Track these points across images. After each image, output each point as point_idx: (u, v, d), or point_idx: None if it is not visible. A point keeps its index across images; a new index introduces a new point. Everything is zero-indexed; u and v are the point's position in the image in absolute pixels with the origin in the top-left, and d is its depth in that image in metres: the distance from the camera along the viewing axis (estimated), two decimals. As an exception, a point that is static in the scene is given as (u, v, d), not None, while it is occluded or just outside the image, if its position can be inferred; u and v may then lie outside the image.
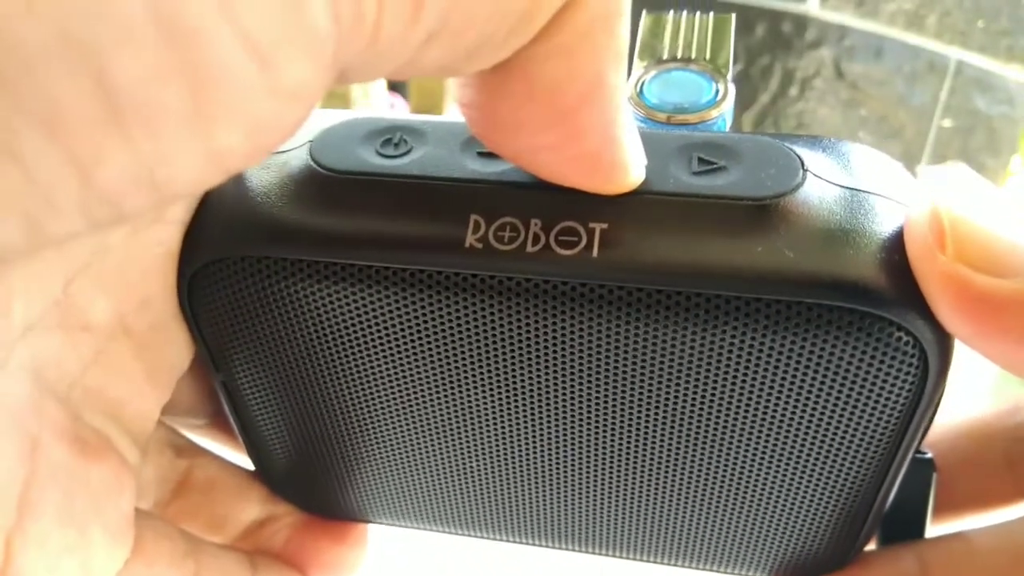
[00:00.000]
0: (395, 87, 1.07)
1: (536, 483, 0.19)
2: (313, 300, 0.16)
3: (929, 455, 0.17)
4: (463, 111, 0.14)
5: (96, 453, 0.16)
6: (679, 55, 0.18)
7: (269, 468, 0.21)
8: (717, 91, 0.17)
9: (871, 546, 0.19)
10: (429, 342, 0.16)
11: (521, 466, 0.18)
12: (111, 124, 0.09)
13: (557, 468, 0.18)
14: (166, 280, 0.16)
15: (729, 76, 0.18)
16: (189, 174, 0.10)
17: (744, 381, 0.15)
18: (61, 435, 0.15)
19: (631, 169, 0.14)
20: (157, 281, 0.16)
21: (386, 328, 0.16)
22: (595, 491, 0.18)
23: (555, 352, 0.15)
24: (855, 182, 0.15)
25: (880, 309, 0.14)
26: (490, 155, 0.15)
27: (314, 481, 0.21)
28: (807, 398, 0.15)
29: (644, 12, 0.19)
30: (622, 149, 0.14)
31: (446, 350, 0.16)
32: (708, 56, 0.18)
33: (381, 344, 0.16)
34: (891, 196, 0.15)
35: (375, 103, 0.97)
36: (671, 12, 0.19)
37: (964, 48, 0.83)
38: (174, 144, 0.10)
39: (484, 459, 0.18)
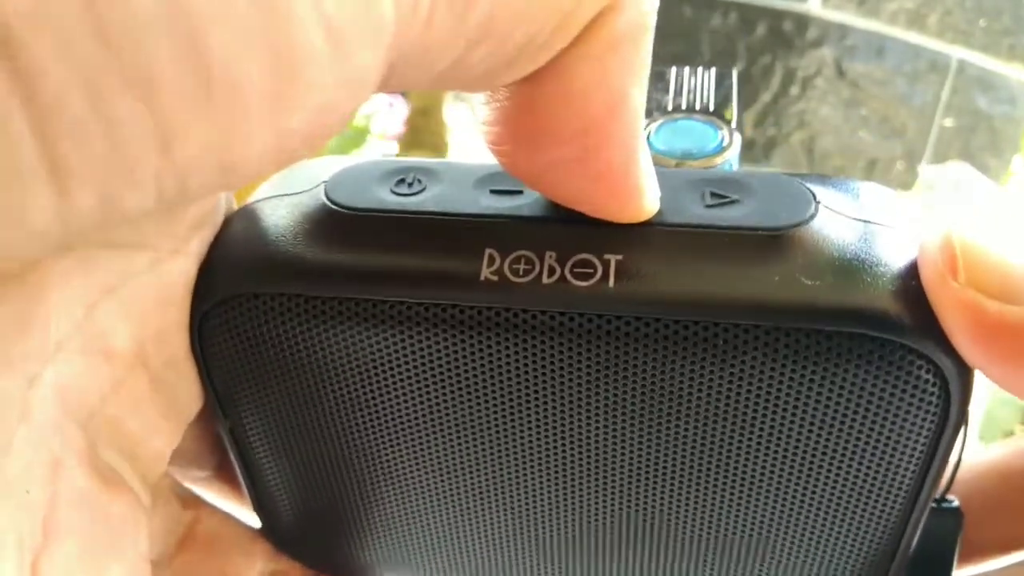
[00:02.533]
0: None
1: (555, 529, 0.18)
2: (326, 339, 0.16)
3: (956, 504, 0.17)
4: (486, 131, 0.14)
5: (114, 486, 0.16)
6: (683, 107, 0.18)
7: (275, 522, 0.21)
8: (723, 138, 0.18)
9: None
10: (444, 381, 0.16)
11: (540, 511, 0.18)
12: (200, 94, 0.10)
13: (575, 511, 0.18)
14: (182, 315, 0.16)
15: (733, 125, 0.18)
16: (257, 155, 0.11)
17: (764, 414, 0.15)
18: (81, 461, 0.15)
19: (648, 194, 0.15)
20: (174, 315, 0.16)
21: (399, 368, 0.16)
22: (613, 535, 0.18)
23: (572, 387, 0.15)
24: (867, 215, 0.15)
25: (900, 337, 0.14)
26: (504, 192, 0.16)
27: (321, 535, 0.20)
28: (828, 431, 0.15)
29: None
30: (640, 172, 0.14)
31: (462, 389, 0.16)
32: (712, 108, 0.18)
33: (395, 385, 0.16)
34: (904, 227, 0.15)
35: (375, 100, 0.97)
36: (673, 68, 0.19)
37: (966, 47, 0.83)
38: (250, 121, 0.10)
39: (498, 503, 0.18)
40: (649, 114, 0.18)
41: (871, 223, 0.15)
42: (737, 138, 0.18)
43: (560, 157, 0.14)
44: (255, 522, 0.21)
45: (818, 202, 0.15)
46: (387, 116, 0.98)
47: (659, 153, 0.18)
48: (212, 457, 0.20)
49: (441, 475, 0.18)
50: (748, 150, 0.89)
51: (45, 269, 0.14)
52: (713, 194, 0.15)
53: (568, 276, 0.14)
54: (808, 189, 0.15)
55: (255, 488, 0.20)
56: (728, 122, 0.18)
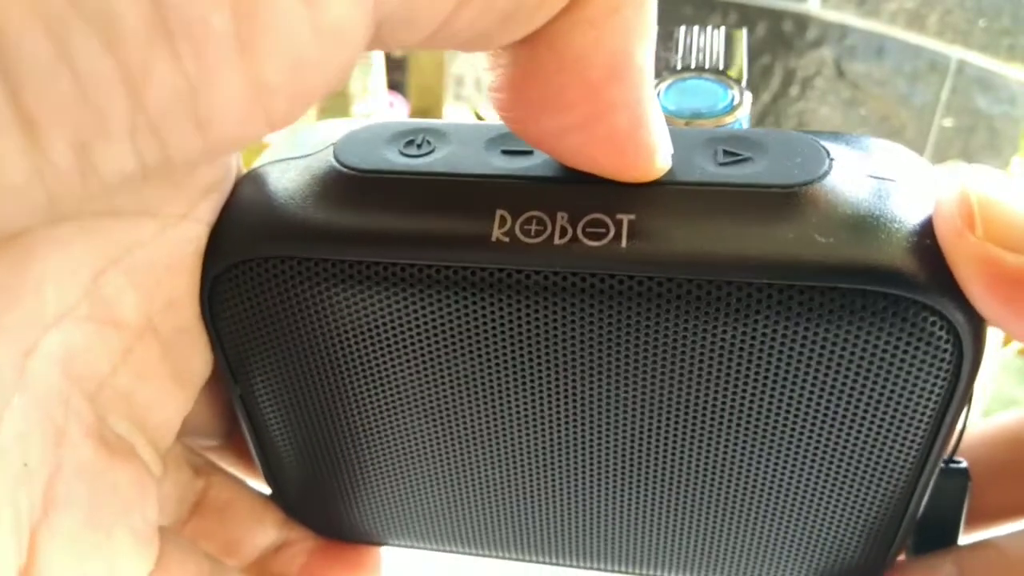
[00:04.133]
0: (395, 86, 1.07)
1: (562, 493, 0.18)
2: (337, 303, 0.16)
3: (964, 464, 0.17)
4: (493, 97, 0.14)
5: (122, 456, 0.16)
6: (692, 66, 0.18)
7: (285, 489, 0.21)
8: (733, 97, 0.17)
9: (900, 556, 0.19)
10: (456, 344, 0.16)
11: (546, 474, 0.18)
12: (160, 38, 0.09)
13: (585, 474, 0.18)
14: (193, 282, 0.16)
15: (743, 84, 0.18)
16: (232, 108, 0.10)
17: (777, 373, 0.15)
18: (88, 432, 0.15)
19: (658, 153, 0.14)
20: (184, 282, 0.16)
21: (410, 330, 0.16)
22: (621, 499, 0.18)
23: (585, 348, 0.15)
24: (881, 171, 0.15)
25: (914, 293, 0.14)
26: (514, 152, 0.15)
27: (333, 502, 0.20)
28: (841, 390, 0.15)
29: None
30: (649, 132, 0.14)
31: (473, 351, 0.16)
32: (721, 67, 0.18)
33: (405, 348, 0.16)
34: (917, 184, 0.15)
35: (375, 99, 0.97)
36: (682, 27, 0.19)
37: (965, 47, 0.83)
38: (217, 69, 0.10)
39: (510, 469, 0.18)
40: (658, 74, 0.18)
41: (885, 179, 0.15)
42: (747, 97, 0.18)
43: (565, 122, 0.14)
44: (266, 490, 0.21)
45: (832, 159, 0.15)
46: (387, 115, 0.98)
47: (669, 113, 0.17)
48: (222, 426, 0.20)
49: (451, 440, 0.18)
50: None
51: (35, 239, 0.14)
52: (726, 152, 0.15)
53: (580, 236, 0.14)
54: (822, 146, 0.15)
55: (265, 455, 0.20)
56: (738, 81, 0.18)
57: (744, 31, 0.19)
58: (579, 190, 0.15)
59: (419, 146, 0.16)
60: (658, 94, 0.17)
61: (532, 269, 0.15)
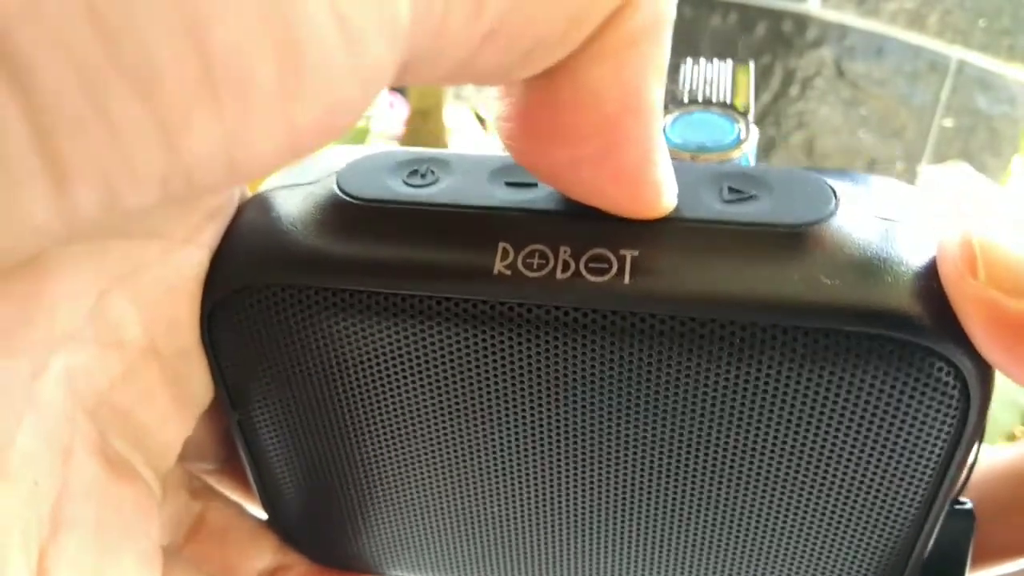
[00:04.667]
0: (395, 87, 1.07)
1: (559, 527, 0.18)
2: (336, 332, 0.16)
3: (969, 506, 0.17)
4: (501, 126, 0.14)
5: (125, 476, 0.16)
6: (699, 99, 0.18)
7: (282, 515, 0.21)
8: (739, 132, 0.18)
9: None
10: (456, 377, 0.16)
11: (544, 508, 0.18)
12: (204, 90, 0.09)
13: (582, 510, 0.18)
14: (193, 306, 0.16)
15: (750, 118, 0.18)
16: (268, 152, 0.10)
17: (781, 414, 0.15)
18: (93, 450, 0.15)
19: (665, 191, 0.14)
20: (185, 305, 0.16)
21: (409, 361, 0.16)
22: (621, 538, 0.18)
23: (586, 384, 0.15)
24: (887, 212, 0.15)
25: (920, 338, 0.13)
26: (518, 185, 0.15)
27: (329, 529, 0.20)
28: (846, 433, 0.15)
29: None
30: (658, 168, 0.14)
31: (474, 385, 0.16)
32: (728, 100, 0.18)
33: (405, 379, 0.16)
34: (922, 225, 0.15)
35: (376, 100, 0.97)
36: (688, 60, 0.19)
37: (965, 47, 0.83)
38: (259, 117, 0.10)
39: (508, 501, 0.18)
40: (664, 106, 0.18)
41: (891, 220, 0.15)
42: (754, 131, 0.18)
43: (575, 155, 0.14)
44: (263, 515, 0.21)
45: (838, 199, 0.15)
46: (387, 116, 0.98)
47: (674, 146, 0.17)
48: (220, 450, 0.20)
49: (451, 472, 0.18)
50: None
51: (50, 258, 0.14)
52: (731, 189, 0.15)
53: (583, 271, 0.14)
54: (828, 184, 0.15)
55: (262, 482, 0.20)
56: (744, 115, 0.18)
57: (751, 64, 0.19)
58: (583, 224, 0.15)
59: (423, 176, 0.16)
60: (664, 127, 0.18)
61: (533, 303, 0.14)
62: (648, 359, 0.14)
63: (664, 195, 0.14)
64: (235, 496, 0.21)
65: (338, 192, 0.16)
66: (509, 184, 0.16)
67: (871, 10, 0.87)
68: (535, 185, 0.15)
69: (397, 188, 0.16)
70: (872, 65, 0.89)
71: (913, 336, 0.14)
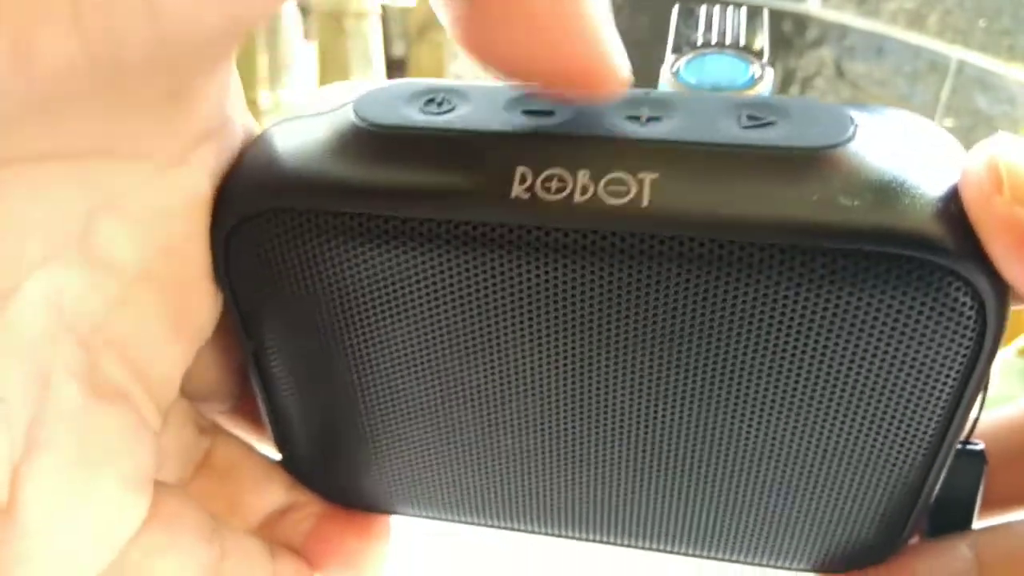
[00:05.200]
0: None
1: (575, 460, 0.18)
2: (353, 257, 0.16)
3: (981, 447, 0.17)
4: (450, 29, 0.14)
5: (112, 400, 0.15)
6: (713, 43, 0.18)
7: (294, 452, 0.20)
8: (754, 72, 0.17)
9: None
10: (471, 303, 0.16)
11: (560, 441, 0.18)
12: None
13: (598, 440, 0.18)
14: (191, 230, 0.16)
15: (765, 60, 0.18)
16: None
17: (798, 337, 0.15)
18: (75, 376, 0.15)
19: (613, 60, 0.14)
20: (182, 229, 0.16)
21: (427, 289, 0.16)
22: (635, 467, 0.18)
23: (604, 308, 0.15)
24: (905, 139, 0.15)
25: (939, 257, 0.13)
26: (535, 112, 0.15)
27: (341, 467, 0.20)
28: (862, 356, 0.15)
29: (676, 4, 0.19)
30: (600, 40, 0.14)
31: (488, 311, 0.16)
32: (742, 43, 0.18)
33: (421, 308, 0.16)
34: (940, 152, 0.15)
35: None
36: (703, 5, 0.19)
37: (965, 47, 0.83)
38: None
39: (523, 434, 0.18)
40: (679, 49, 0.18)
41: (909, 146, 0.15)
42: (769, 72, 0.17)
43: (512, 35, 0.14)
44: (274, 454, 0.21)
45: (856, 125, 0.15)
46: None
47: (689, 86, 0.17)
48: (230, 390, 0.20)
49: (465, 404, 0.17)
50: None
51: (7, 180, 0.13)
52: (749, 116, 0.15)
53: (601, 194, 0.14)
54: (846, 113, 0.15)
55: (275, 417, 0.19)
56: (758, 56, 0.18)
57: (766, 10, 0.18)
58: (601, 148, 0.15)
59: (439, 104, 0.16)
60: (679, 68, 0.17)
61: (552, 227, 0.14)
62: (667, 282, 0.14)
63: (610, 55, 0.14)
64: (247, 436, 0.21)
65: (355, 119, 0.16)
66: (526, 112, 0.15)
67: (871, 10, 0.87)
68: (552, 112, 0.15)
69: (414, 115, 0.16)
70: (872, 65, 0.89)
71: (931, 255, 0.13)
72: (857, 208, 0.14)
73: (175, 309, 0.16)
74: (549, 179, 0.14)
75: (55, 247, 0.14)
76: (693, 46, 0.18)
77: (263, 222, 0.16)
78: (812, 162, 0.14)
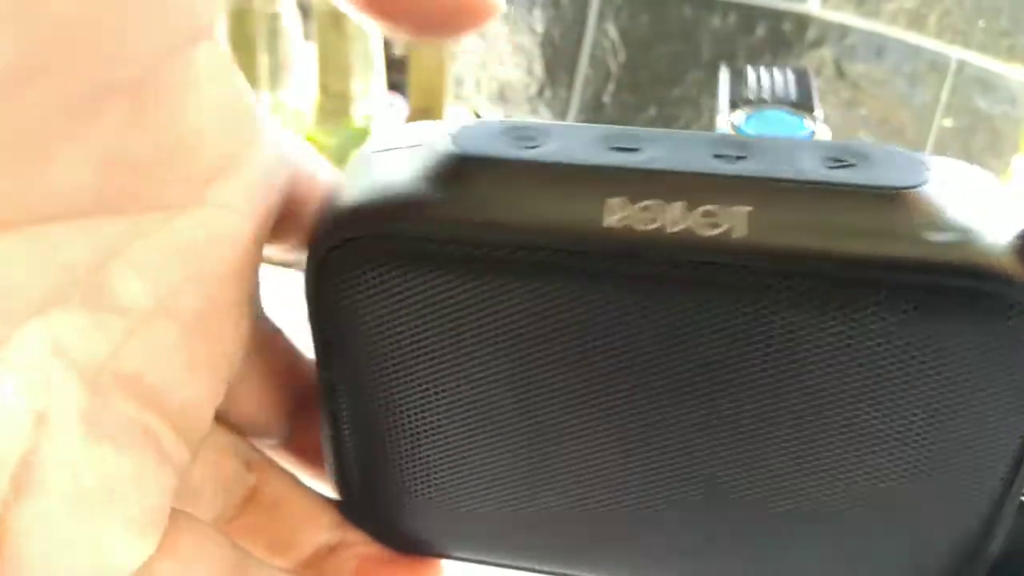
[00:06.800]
0: (395, 87, 1.07)
1: (655, 497, 0.18)
2: (447, 288, 0.16)
3: None
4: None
5: (121, 438, 0.15)
6: (766, 99, 0.18)
7: (349, 487, 0.20)
8: (812, 130, 0.18)
9: None
10: (562, 336, 0.16)
11: (644, 476, 0.18)
12: None
13: (679, 472, 0.17)
14: (214, 267, 0.16)
15: (818, 118, 0.18)
16: None
17: (881, 373, 0.15)
18: (77, 418, 0.15)
19: None
20: (201, 267, 0.16)
21: (514, 323, 0.16)
22: (717, 522, 0.18)
23: (697, 339, 0.15)
24: (971, 182, 0.15)
25: (1018, 293, 0.14)
26: (624, 149, 0.16)
27: (404, 510, 0.20)
28: (939, 395, 0.15)
29: (723, 66, 0.20)
30: None
31: (581, 344, 0.16)
32: (793, 100, 0.18)
33: (506, 343, 0.16)
34: (1001, 193, 0.15)
35: (375, 100, 0.97)
36: (748, 67, 0.19)
37: (965, 48, 0.83)
38: None
39: (601, 475, 0.18)
40: (735, 106, 0.18)
41: (978, 189, 0.15)
42: (825, 130, 0.18)
43: None
44: (322, 490, 0.21)
45: (928, 168, 0.15)
46: (387, 116, 0.97)
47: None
48: (282, 425, 0.20)
49: (539, 441, 0.17)
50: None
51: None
52: (832, 158, 0.15)
53: (694, 226, 0.14)
54: (918, 158, 0.16)
55: (338, 451, 0.19)
56: (812, 114, 0.18)
57: (811, 71, 0.19)
58: (694, 180, 0.15)
59: (531, 139, 0.16)
60: (738, 124, 0.18)
61: (645, 257, 0.15)
62: (759, 315, 0.15)
63: None
64: (300, 472, 0.21)
65: (451, 148, 0.16)
66: (614, 148, 0.16)
67: (871, 10, 0.88)
68: (639, 149, 0.16)
69: (507, 148, 0.16)
70: (872, 65, 0.89)
71: (1011, 291, 0.14)
72: (941, 245, 0.14)
73: (197, 341, 0.16)
74: (643, 210, 0.15)
75: (57, 296, 0.14)
76: (748, 102, 0.18)
77: (358, 247, 0.16)
78: (896, 200, 0.14)
